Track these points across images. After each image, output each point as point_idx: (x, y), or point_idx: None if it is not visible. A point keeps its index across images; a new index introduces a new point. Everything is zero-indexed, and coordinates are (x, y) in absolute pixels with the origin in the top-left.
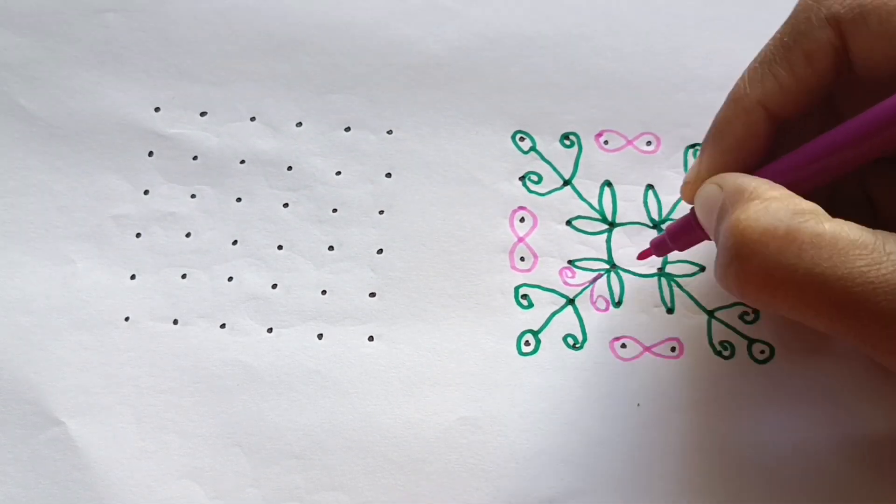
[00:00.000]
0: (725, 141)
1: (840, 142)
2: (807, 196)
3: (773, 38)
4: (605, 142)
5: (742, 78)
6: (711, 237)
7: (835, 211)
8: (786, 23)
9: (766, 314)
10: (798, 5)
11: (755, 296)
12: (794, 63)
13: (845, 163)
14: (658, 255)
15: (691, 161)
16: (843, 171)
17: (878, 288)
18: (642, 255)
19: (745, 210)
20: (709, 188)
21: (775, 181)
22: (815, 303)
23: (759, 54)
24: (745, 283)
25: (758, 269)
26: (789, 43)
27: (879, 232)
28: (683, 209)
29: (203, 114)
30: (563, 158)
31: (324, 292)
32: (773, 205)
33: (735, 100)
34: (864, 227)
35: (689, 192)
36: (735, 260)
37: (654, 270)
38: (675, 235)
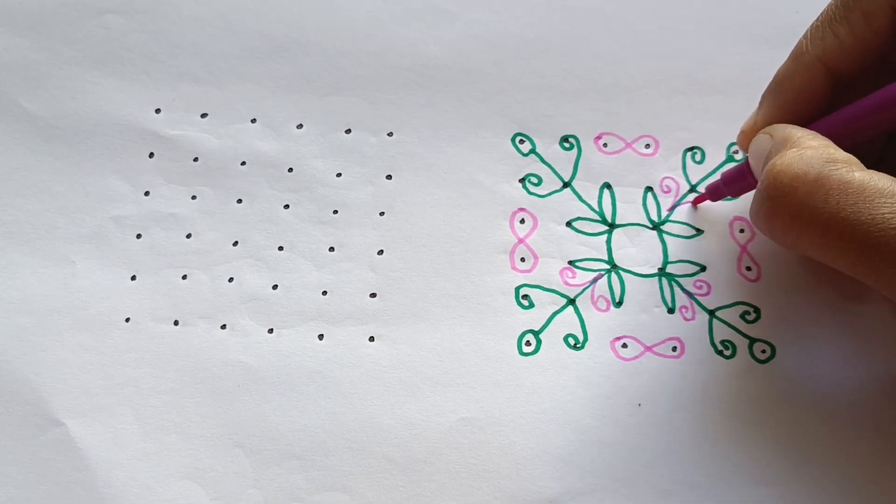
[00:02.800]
0: (784, 94)
1: (882, 100)
2: (858, 149)
3: None
4: (605, 144)
5: (804, 35)
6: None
7: (892, 168)
8: None
9: (767, 314)
10: None
11: (783, 235)
12: (853, 22)
13: (889, 119)
14: (712, 200)
15: (689, 164)
16: (890, 128)
17: None
18: (697, 201)
19: (782, 156)
20: (761, 137)
21: (824, 133)
22: (838, 244)
23: (822, 13)
24: (774, 222)
25: (786, 210)
26: (849, 3)
27: None
28: (683, 212)
29: (204, 115)
30: (563, 161)
31: (324, 293)
32: (807, 153)
33: (796, 56)
34: (895, 179)
35: (744, 140)
36: (767, 200)
37: (655, 270)
38: (730, 181)
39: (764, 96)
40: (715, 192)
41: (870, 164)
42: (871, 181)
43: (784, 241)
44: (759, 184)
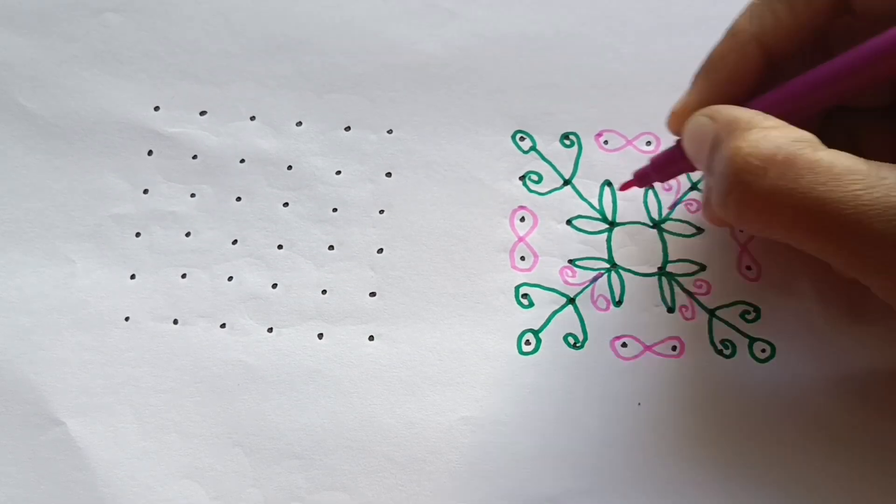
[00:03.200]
0: (719, 74)
1: (828, 75)
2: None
3: None
4: (605, 141)
5: (741, 14)
6: (700, 168)
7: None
8: None
9: (767, 313)
10: None
11: (754, 220)
12: (793, 1)
13: (832, 95)
14: (639, 186)
15: None
16: (829, 103)
17: (871, 210)
18: (624, 187)
19: (745, 138)
20: (700, 119)
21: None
22: (810, 225)
23: None
24: (746, 208)
25: (758, 194)
26: None
27: (872, 161)
28: (684, 211)
29: (203, 113)
30: (563, 158)
31: (324, 292)
32: (772, 133)
33: (732, 34)
34: (857, 157)
35: (675, 122)
36: (737, 186)
37: (655, 270)
38: (660, 166)
39: (696, 77)
40: (643, 178)
41: None
42: (837, 159)
43: (753, 227)
44: (720, 169)
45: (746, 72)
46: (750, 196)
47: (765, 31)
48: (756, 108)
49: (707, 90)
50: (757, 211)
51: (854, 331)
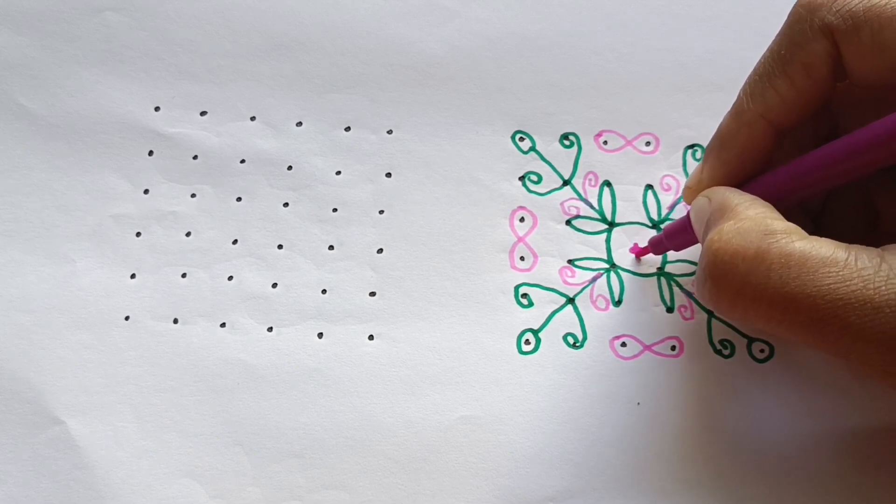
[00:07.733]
0: (728, 152)
1: (830, 158)
2: (799, 206)
3: (770, 50)
4: (605, 142)
5: (743, 91)
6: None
7: (835, 219)
8: (780, 34)
9: None
10: (791, 16)
11: (728, 312)
12: (792, 75)
13: (834, 178)
14: (655, 254)
15: (690, 161)
16: (832, 185)
17: (847, 304)
18: (640, 253)
19: (719, 231)
20: (700, 201)
21: (768, 193)
22: (785, 320)
23: (758, 67)
24: (718, 300)
25: (729, 289)
26: (786, 55)
27: (854, 247)
28: (682, 209)
29: (203, 113)
30: (563, 158)
31: (324, 291)
32: (745, 225)
33: (737, 113)
34: (839, 244)
35: (689, 196)
36: (709, 279)
37: (654, 270)
38: (672, 235)
39: (708, 152)
40: (657, 246)
41: (812, 218)
42: (813, 250)
43: (731, 318)
44: (699, 259)
45: (756, 147)
46: (721, 290)
47: (768, 107)
48: (759, 188)
49: (719, 166)
50: (729, 304)
51: None
